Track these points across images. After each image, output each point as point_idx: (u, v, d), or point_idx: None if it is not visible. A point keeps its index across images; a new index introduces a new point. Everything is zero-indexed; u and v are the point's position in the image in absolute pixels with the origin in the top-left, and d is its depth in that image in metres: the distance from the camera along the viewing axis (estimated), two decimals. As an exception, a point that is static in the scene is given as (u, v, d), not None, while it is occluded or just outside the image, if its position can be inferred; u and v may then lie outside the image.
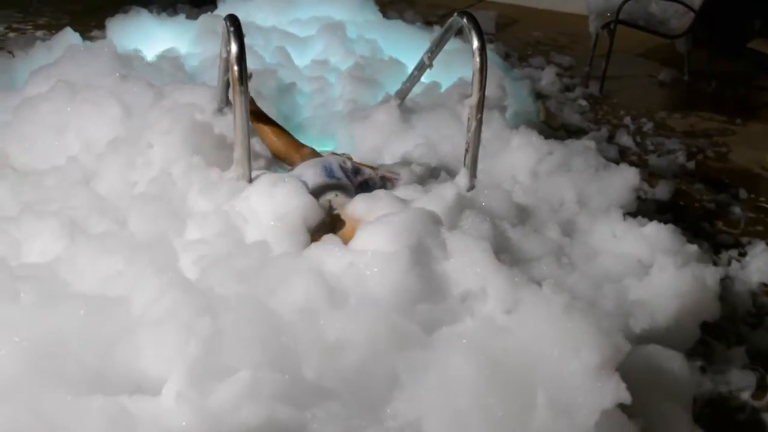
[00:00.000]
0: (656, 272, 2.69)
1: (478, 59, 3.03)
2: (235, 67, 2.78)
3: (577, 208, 3.15)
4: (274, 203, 2.67)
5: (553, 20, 7.01)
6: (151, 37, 4.90)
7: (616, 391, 1.91)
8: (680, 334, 2.60)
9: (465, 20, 3.09)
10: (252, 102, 3.53)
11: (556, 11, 7.24)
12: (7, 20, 5.91)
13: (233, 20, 2.84)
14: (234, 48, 2.78)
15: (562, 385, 1.93)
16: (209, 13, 5.21)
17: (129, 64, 4.15)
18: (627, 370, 2.15)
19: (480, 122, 3.05)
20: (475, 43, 3.05)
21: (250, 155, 2.86)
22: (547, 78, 5.36)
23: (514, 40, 6.36)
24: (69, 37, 4.55)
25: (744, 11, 5.62)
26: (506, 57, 5.76)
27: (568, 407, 1.90)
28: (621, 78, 5.51)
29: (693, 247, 2.87)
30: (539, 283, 2.23)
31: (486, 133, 3.52)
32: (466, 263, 2.35)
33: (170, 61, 4.46)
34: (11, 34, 5.44)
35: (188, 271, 2.46)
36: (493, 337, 2.06)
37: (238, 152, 2.84)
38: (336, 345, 2.06)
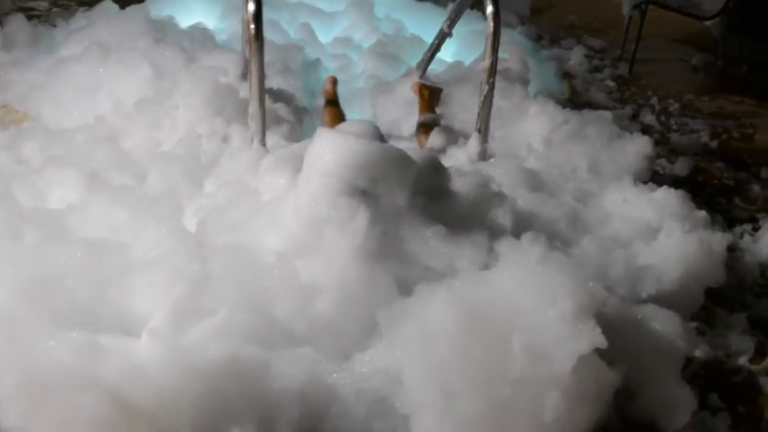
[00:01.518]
0: (664, 237, 2.73)
1: (491, 24, 3.08)
2: (252, 25, 2.87)
3: (589, 175, 3.18)
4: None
5: (590, 5, 6.95)
6: (184, 11, 5.02)
7: (591, 337, 1.96)
8: (684, 299, 2.63)
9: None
10: (332, 91, 3.72)
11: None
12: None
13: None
14: (251, 6, 2.87)
15: (539, 332, 1.99)
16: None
17: (162, 29, 4.28)
18: (618, 326, 2.20)
19: (492, 86, 3.10)
20: (489, 8, 3.09)
21: (265, 111, 2.95)
22: (576, 58, 5.34)
23: (548, 23, 6.33)
24: (108, 8, 4.69)
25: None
26: (538, 39, 5.75)
27: (545, 353, 1.95)
28: (653, 61, 5.46)
29: (701, 213, 2.89)
30: (518, 236, 2.29)
31: (506, 103, 3.57)
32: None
33: (201, 31, 4.58)
34: (55, 9, 5.61)
35: (189, 224, 2.56)
36: (471, 286, 2.12)
37: (253, 107, 2.94)
38: (311, 289, 2.14)
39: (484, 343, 1.95)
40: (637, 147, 3.22)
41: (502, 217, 2.48)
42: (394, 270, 2.18)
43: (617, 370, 2.05)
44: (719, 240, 2.78)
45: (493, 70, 3.09)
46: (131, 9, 4.47)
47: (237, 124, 3.31)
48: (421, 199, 2.34)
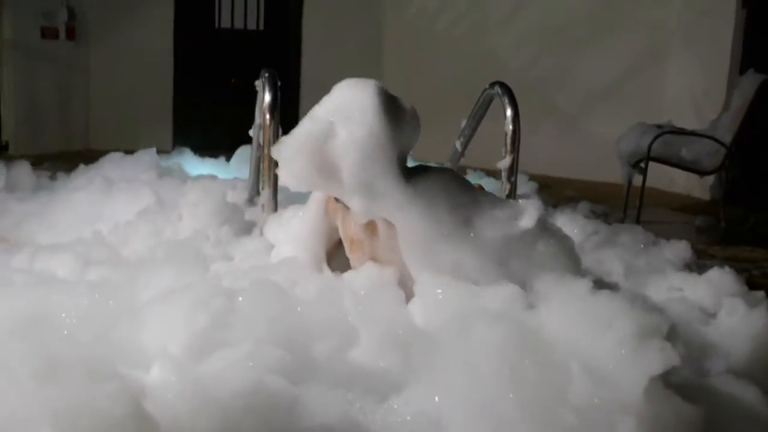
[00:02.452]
0: (724, 315, 2.52)
1: (510, 125, 3.06)
2: (267, 115, 2.83)
3: (625, 279, 3.00)
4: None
5: (586, 183, 7.12)
6: (193, 163, 5.06)
7: (662, 356, 1.69)
8: (758, 372, 2.34)
9: (498, 89, 3.15)
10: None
11: (586, 180, 7.37)
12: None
13: (270, 73, 2.93)
14: (268, 97, 2.84)
15: (599, 356, 1.74)
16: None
17: (168, 170, 4.25)
18: (691, 394, 1.92)
19: (514, 186, 3.02)
20: (509, 112, 3.09)
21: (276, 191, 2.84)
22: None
23: (548, 197, 6.43)
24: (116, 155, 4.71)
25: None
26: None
27: (609, 377, 1.68)
28: (657, 223, 5.44)
29: (760, 293, 2.70)
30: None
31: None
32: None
33: (208, 177, 4.55)
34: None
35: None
36: (516, 315, 1.88)
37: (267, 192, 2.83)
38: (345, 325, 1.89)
39: (537, 370, 1.67)
40: (676, 250, 3.07)
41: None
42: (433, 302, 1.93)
43: (697, 410, 1.73)
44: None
45: (514, 169, 3.01)
46: (139, 152, 4.47)
47: (246, 237, 3.15)
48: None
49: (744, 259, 4.57)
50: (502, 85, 3.16)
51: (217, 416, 1.55)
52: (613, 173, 5.93)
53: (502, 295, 1.99)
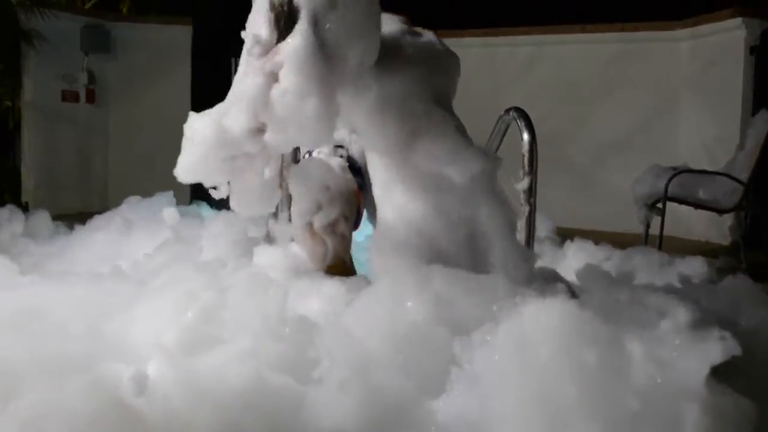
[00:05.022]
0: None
1: (527, 148, 3.05)
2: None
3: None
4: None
5: (603, 237, 7.06)
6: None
7: (720, 344, 1.63)
8: None
9: (514, 113, 3.17)
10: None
11: (604, 231, 7.32)
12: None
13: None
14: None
15: (657, 343, 1.66)
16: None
17: (186, 212, 4.28)
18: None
19: (534, 207, 2.99)
20: (525, 136, 3.09)
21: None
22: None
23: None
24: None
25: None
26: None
27: (671, 362, 1.62)
28: (675, 266, 5.40)
29: None
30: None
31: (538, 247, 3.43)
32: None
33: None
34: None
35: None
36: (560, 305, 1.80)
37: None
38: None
39: (596, 355, 1.60)
40: (693, 269, 3.02)
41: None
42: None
43: (751, 403, 1.66)
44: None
45: (532, 190, 2.99)
46: (157, 195, 4.51)
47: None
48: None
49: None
50: (518, 109, 3.17)
51: (215, 412, 1.50)
52: (631, 224, 5.89)
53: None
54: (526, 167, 3.00)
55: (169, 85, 7.86)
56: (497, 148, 3.58)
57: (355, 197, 2.66)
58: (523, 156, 3.00)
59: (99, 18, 7.90)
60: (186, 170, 2.14)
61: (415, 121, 2.09)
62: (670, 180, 5.04)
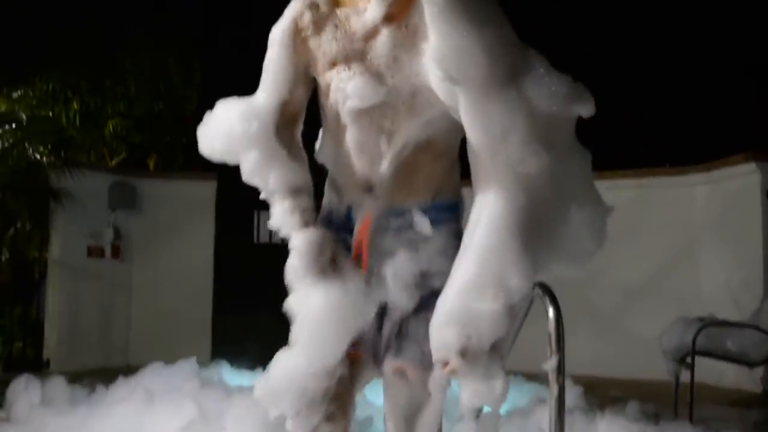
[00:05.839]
0: None
1: (554, 326, 3.04)
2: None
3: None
4: None
5: (631, 384, 6.93)
6: (230, 378, 5.04)
7: None
8: None
9: (537, 290, 3.17)
10: None
11: (631, 378, 7.18)
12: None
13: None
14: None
15: None
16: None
17: (209, 378, 4.25)
18: None
19: (563, 387, 2.94)
20: (551, 313, 3.08)
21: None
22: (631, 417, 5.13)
23: (593, 399, 6.24)
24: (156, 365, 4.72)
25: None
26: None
27: None
28: (711, 420, 5.23)
29: None
30: None
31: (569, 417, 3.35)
32: None
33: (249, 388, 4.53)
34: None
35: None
36: None
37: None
38: None
39: None
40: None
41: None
42: None
43: None
44: None
45: (560, 369, 2.95)
46: (180, 362, 4.49)
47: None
48: None
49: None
50: (542, 285, 3.18)
51: None
52: (658, 370, 5.78)
53: None
54: (553, 345, 2.98)
55: (193, 240, 8.01)
56: (519, 327, 3.56)
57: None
58: (550, 335, 2.98)
59: (126, 175, 8.16)
60: None
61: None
62: (697, 334, 4.96)
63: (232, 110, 1.94)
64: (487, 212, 1.67)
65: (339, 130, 1.89)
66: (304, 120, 2.06)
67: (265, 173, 1.89)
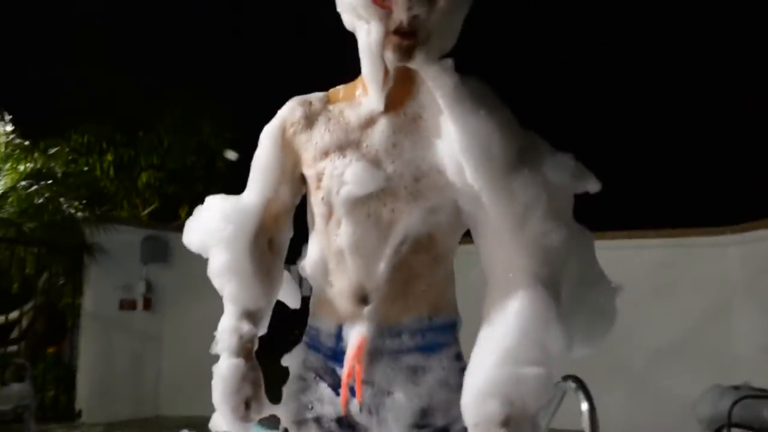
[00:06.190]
0: None
1: (588, 421, 3.01)
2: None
3: None
4: None
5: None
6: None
7: None
8: None
9: (571, 383, 3.14)
10: None
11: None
12: None
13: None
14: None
15: None
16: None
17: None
18: None
19: (599, 483, 2.91)
20: (584, 406, 3.05)
21: None
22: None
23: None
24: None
25: None
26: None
27: None
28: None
29: None
30: None
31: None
32: None
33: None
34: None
35: None
36: None
37: None
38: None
39: None
40: None
41: None
42: None
43: None
44: None
45: (597, 466, 2.92)
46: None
47: None
48: None
49: None
50: (576, 378, 3.15)
51: None
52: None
53: None
54: (588, 436, 2.95)
55: (223, 291, 8.03)
56: (550, 421, 3.52)
57: None
58: (583, 430, 2.96)
59: (158, 228, 8.26)
60: None
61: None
62: (734, 405, 4.87)
63: (215, 207, 1.88)
64: (517, 286, 1.62)
65: (330, 228, 1.74)
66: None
67: (225, 281, 1.84)
